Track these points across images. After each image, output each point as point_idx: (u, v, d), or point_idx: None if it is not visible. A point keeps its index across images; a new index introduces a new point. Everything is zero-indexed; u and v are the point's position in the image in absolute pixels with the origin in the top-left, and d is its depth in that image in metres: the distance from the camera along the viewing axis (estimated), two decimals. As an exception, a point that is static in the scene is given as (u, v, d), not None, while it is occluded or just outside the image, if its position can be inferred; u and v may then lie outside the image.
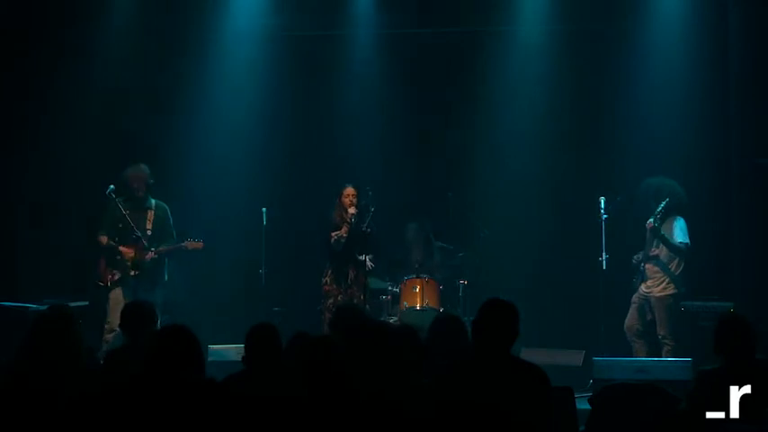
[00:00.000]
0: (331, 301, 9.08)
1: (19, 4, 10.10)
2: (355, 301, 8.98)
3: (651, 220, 8.79)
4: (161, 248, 8.93)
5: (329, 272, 9.28)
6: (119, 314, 8.51)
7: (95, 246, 8.92)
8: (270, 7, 10.74)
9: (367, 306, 9.01)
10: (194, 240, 9.03)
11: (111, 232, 8.89)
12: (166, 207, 9.10)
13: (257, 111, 10.74)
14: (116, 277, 8.80)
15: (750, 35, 9.70)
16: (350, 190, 9.34)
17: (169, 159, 10.39)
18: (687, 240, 8.88)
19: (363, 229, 9.18)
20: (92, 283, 8.91)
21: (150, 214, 8.94)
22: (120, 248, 8.84)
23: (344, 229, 9.21)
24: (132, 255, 8.83)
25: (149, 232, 8.87)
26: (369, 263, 9.29)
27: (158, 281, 8.95)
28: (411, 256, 9.87)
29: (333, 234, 9.21)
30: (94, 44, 10.24)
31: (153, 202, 9.02)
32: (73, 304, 8.23)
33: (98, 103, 10.25)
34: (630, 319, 9.01)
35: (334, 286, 9.19)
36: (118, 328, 8.48)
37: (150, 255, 8.82)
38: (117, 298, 8.74)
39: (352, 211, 9.22)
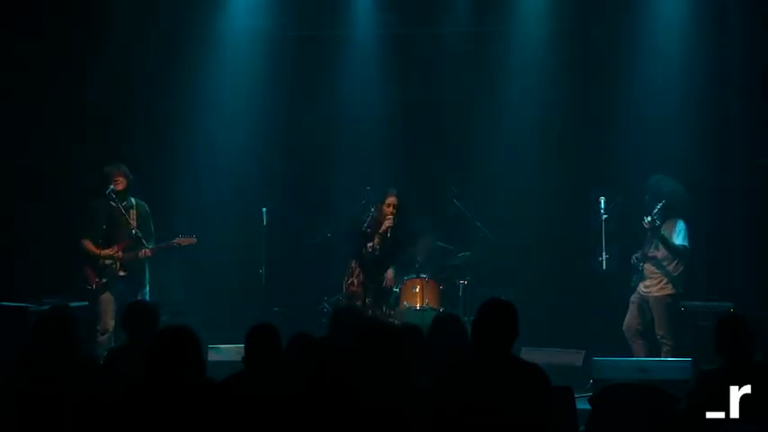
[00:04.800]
0: (358, 303, 8.95)
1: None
2: (384, 308, 8.96)
3: (648, 219, 8.78)
4: (156, 246, 8.89)
5: (357, 273, 9.14)
6: (108, 316, 8.60)
7: (80, 250, 8.84)
8: (269, 7, 10.75)
9: (391, 312, 8.97)
10: (186, 236, 8.96)
11: (95, 235, 8.84)
12: (146, 205, 9.02)
13: (257, 111, 10.75)
14: (104, 280, 8.76)
15: (750, 35, 9.71)
16: (391, 199, 9.08)
17: (169, 159, 10.40)
18: (686, 243, 8.87)
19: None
20: (80, 286, 8.86)
21: (133, 213, 8.86)
22: (105, 252, 8.77)
23: (377, 240, 9.06)
24: (120, 255, 8.79)
25: (134, 231, 8.79)
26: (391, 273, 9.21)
27: (144, 281, 8.89)
28: (414, 259, 9.89)
29: (368, 245, 9.06)
30: (95, 44, 10.24)
31: (134, 200, 8.94)
32: (73, 304, 8.24)
33: (97, 104, 10.25)
34: (630, 318, 9.00)
35: (361, 290, 9.07)
36: (110, 330, 8.55)
37: (146, 252, 8.77)
38: (106, 300, 8.69)
39: (387, 224, 9.01)
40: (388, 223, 9.02)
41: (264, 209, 9.81)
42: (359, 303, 8.90)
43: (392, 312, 9.05)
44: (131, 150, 9.77)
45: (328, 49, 10.82)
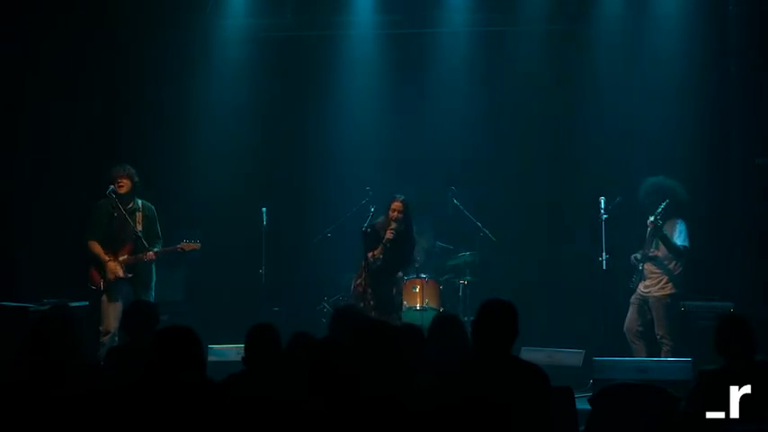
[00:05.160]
0: (362, 305, 8.86)
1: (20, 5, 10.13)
2: (391, 313, 8.91)
3: (652, 218, 8.77)
4: (160, 250, 8.89)
5: (365, 275, 9.04)
6: (111, 317, 8.60)
7: (86, 251, 8.83)
8: (269, 7, 10.75)
9: (396, 317, 8.89)
10: (191, 242, 8.97)
11: (100, 235, 8.84)
12: (153, 208, 9.02)
13: (257, 111, 10.75)
14: (108, 281, 8.76)
15: (750, 35, 9.71)
16: (396, 204, 8.96)
17: (169, 159, 10.41)
18: (687, 243, 8.87)
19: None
20: (87, 287, 8.86)
21: (139, 216, 8.86)
22: (109, 263, 8.76)
23: (379, 250, 9.00)
24: (125, 257, 8.79)
25: (137, 233, 8.78)
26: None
27: (149, 282, 8.89)
28: (414, 259, 9.87)
29: (369, 254, 8.98)
30: (95, 44, 10.25)
31: (140, 202, 8.94)
32: (73, 304, 8.25)
33: (97, 104, 10.26)
34: (630, 319, 8.99)
35: (369, 291, 9.00)
36: (113, 330, 8.55)
37: (150, 255, 8.77)
38: (109, 301, 8.69)
39: (387, 235, 8.95)
40: (389, 234, 9.00)
41: (264, 209, 9.81)
42: (362, 304, 8.88)
43: (398, 317, 8.99)
44: (132, 151, 9.78)
45: (328, 48, 10.81)
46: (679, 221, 8.90)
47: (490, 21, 10.63)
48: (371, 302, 8.93)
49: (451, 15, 10.62)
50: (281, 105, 10.79)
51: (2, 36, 9.98)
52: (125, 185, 8.78)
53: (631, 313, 8.99)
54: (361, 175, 10.12)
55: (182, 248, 8.92)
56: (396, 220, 8.96)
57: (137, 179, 8.85)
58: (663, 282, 8.89)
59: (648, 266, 8.96)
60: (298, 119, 10.82)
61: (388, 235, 8.96)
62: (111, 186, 8.75)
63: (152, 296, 8.81)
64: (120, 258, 8.76)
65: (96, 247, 8.78)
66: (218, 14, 10.65)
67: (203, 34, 10.64)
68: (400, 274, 9.19)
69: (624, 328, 8.98)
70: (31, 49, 10.14)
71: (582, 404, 5.73)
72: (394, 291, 9.09)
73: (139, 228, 8.79)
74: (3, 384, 4.98)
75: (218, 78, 10.68)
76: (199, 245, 8.96)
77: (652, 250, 8.93)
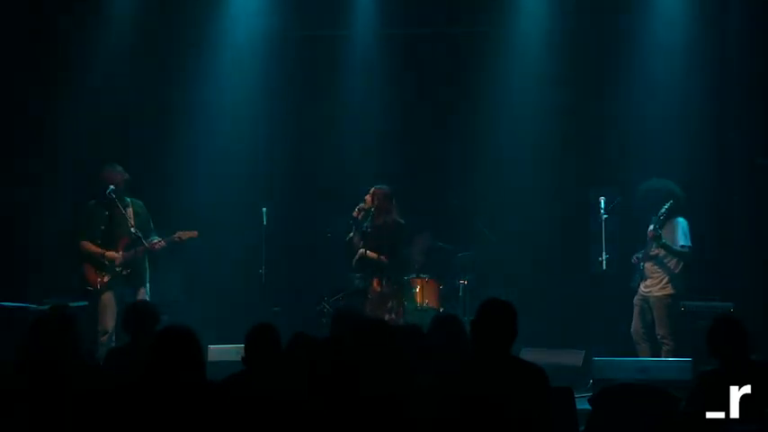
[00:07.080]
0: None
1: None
2: (390, 304, 8.92)
3: (651, 227, 8.73)
4: (157, 242, 8.88)
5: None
6: (109, 317, 8.61)
7: (78, 253, 8.83)
8: (271, 7, 10.75)
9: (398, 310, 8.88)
10: (187, 230, 8.95)
11: (94, 236, 8.84)
12: (142, 203, 9.03)
13: (258, 110, 10.76)
14: (105, 280, 8.76)
15: (750, 35, 9.72)
16: (372, 189, 9.06)
17: (169, 159, 10.41)
18: (689, 243, 8.82)
19: (364, 229, 9.12)
20: (81, 287, 8.86)
21: (130, 212, 8.89)
22: (107, 252, 8.78)
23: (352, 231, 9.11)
24: (121, 254, 8.79)
25: (133, 229, 8.79)
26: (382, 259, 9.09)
27: (145, 279, 8.89)
28: (413, 258, 9.88)
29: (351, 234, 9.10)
30: (94, 43, 10.26)
31: (129, 200, 8.94)
32: (73, 304, 8.25)
33: (99, 103, 10.26)
34: (635, 323, 8.92)
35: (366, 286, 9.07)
36: (111, 330, 8.55)
37: (151, 246, 8.75)
38: (107, 301, 8.69)
39: (354, 213, 9.04)
40: (355, 212, 8.98)
41: (264, 209, 9.81)
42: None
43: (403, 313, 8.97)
44: (132, 151, 9.78)
45: (328, 49, 10.82)
46: (680, 220, 8.87)
47: (490, 21, 10.63)
48: (369, 297, 8.95)
49: (453, 15, 10.63)
50: (281, 105, 10.79)
51: (6, 36, 9.99)
52: (121, 185, 8.80)
53: (635, 316, 8.94)
54: (361, 174, 10.11)
55: (179, 237, 8.91)
56: (367, 203, 8.95)
57: (127, 177, 8.88)
58: (664, 281, 8.87)
59: (649, 266, 8.93)
60: (298, 119, 10.82)
61: (354, 213, 8.97)
62: (111, 186, 8.76)
63: (148, 292, 8.82)
64: (118, 256, 8.77)
65: (90, 246, 8.79)
66: (219, 15, 10.65)
67: (205, 35, 10.63)
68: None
69: (631, 331, 8.92)
70: (32, 48, 10.14)
71: (582, 404, 5.73)
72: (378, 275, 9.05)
73: (132, 224, 8.80)
74: (2, 385, 4.99)
75: (219, 78, 10.67)
76: (196, 233, 8.94)
77: (653, 249, 8.91)
